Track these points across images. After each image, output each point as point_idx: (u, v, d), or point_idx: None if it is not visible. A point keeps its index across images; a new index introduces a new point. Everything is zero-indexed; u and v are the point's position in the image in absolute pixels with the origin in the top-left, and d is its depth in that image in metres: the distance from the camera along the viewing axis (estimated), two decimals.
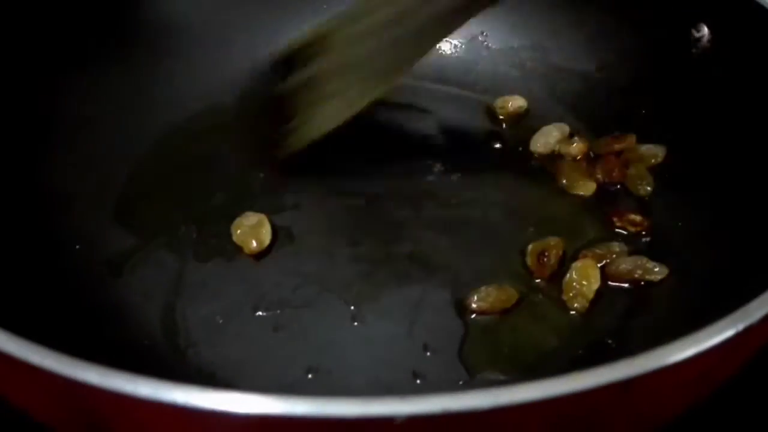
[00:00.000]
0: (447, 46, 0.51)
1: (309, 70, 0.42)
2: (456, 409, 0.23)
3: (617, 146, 0.45)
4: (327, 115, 0.42)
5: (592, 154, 0.45)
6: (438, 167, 0.46)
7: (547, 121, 0.47)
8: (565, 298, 0.38)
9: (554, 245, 0.40)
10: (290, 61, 0.44)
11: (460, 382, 0.35)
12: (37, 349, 0.24)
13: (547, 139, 0.46)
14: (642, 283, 0.39)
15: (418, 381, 0.35)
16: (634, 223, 0.41)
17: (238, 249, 0.41)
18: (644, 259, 0.39)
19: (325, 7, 0.51)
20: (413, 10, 0.40)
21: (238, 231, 0.41)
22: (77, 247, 0.41)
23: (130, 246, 0.41)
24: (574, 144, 0.45)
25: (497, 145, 0.47)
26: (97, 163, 0.44)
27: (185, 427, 0.25)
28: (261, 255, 0.41)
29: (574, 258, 0.40)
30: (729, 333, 0.26)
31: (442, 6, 0.39)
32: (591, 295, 0.38)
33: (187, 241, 0.42)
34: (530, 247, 0.40)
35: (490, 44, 0.51)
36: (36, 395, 0.27)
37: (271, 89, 0.44)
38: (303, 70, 0.43)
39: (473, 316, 0.38)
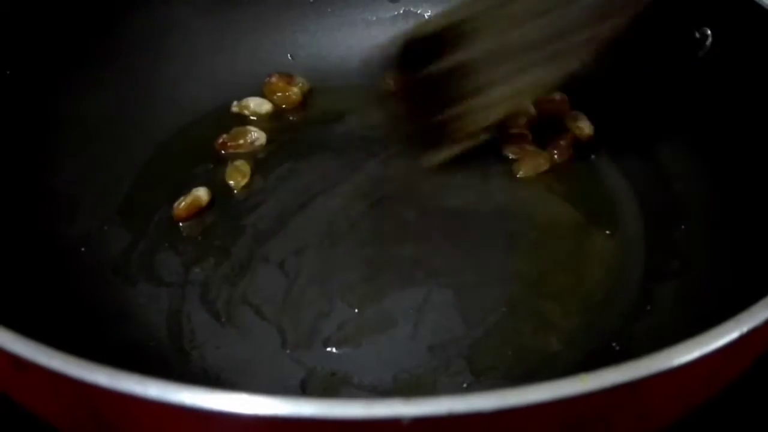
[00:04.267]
0: None
1: (461, 54, 0.39)
2: (462, 410, 0.23)
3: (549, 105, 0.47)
4: (494, 102, 0.40)
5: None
6: (443, 169, 0.45)
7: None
8: None
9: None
10: (429, 45, 0.40)
11: (465, 385, 0.35)
12: (46, 350, 0.24)
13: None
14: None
15: (422, 383, 0.36)
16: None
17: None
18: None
19: (329, 10, 0.52)
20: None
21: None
22: (82, 249, 0.41)
23: (134, 248, 0.41)
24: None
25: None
26: (102, 166, 0.45)
27: (192, 429, 0.25)
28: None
29: None
30: (734, 335, 0.26)
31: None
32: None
33: (191, 243, 0.42)
34: None
35: None
36: (45, 397, 0.27)
37: (419, 73, 0.41)
38: (451, 54, 0.39)
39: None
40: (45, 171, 0.43)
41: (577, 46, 0.39)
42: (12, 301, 0.34)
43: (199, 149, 0.47)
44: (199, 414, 0.24)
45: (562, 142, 0.46)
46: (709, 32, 0.43)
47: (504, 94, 0.40)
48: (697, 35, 0.43)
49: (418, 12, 0.52)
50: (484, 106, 0.41)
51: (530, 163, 0.46)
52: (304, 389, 0.35)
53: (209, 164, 0.46)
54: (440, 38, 0.40)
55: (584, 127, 0.47)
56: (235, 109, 0.49)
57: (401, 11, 0.52)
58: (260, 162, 0.46)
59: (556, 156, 0.46)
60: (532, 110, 0.47)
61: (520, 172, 0.45)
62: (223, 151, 0.47)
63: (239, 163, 0.46)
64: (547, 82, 0.41)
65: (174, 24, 0.49)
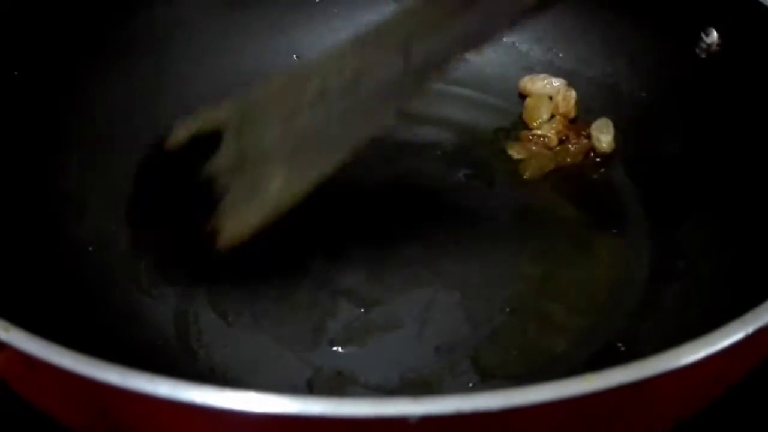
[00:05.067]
0: None
1: (234, 147, 0.35)
2: (469, 409, 0.23)
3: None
4: (268, 199, 0.36)
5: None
6: (449, 170, 0.46)
7: None
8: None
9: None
10: (204, 141, 0.36)
11: (470, 385, 0.36)
12: (58, 349, 0.25)
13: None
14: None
15: (428, 383, 0.36)
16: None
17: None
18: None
19: (335, 11, 0.52)
20: (363, 76, 0.33)
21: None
22: (90, 249, 0.41)
23: (141, 247, 0.42)
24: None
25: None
26: (109, 165, 0.45)
27: (202, 427, 0.25)
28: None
29: None
30: (739, 335, 0.26)
31: (395, 73, 0.33)
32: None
33: (198, 242, 0.42)
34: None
35: (499, 47, 0.51)
36: (56, 396, 0.28)
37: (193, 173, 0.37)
38: (226, 148, 0.36)
39: None
40: (52, 171, 0.43)
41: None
42: (20, 301, 0.34)
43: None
44: (209, 412, 0.24)
45: (572, 147, 0.46)
46: (715, 33, 0.43)
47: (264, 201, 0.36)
48: (703, 36, 0.43)
49: None
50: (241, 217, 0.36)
51: (536, 164, 0.46)
52: (311, 388, 0.36)
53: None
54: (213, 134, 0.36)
55: (604, 142, 0.46)
56: None
57: None
58: None
59: (566, 158, 0.46)
60: (572, 113, 0.47)
61: (527, 173, 0.45)
62: None
63: None
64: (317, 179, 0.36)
65: (180, 25, 0.49)
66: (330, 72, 0.35)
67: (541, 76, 0.49)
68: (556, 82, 0.48)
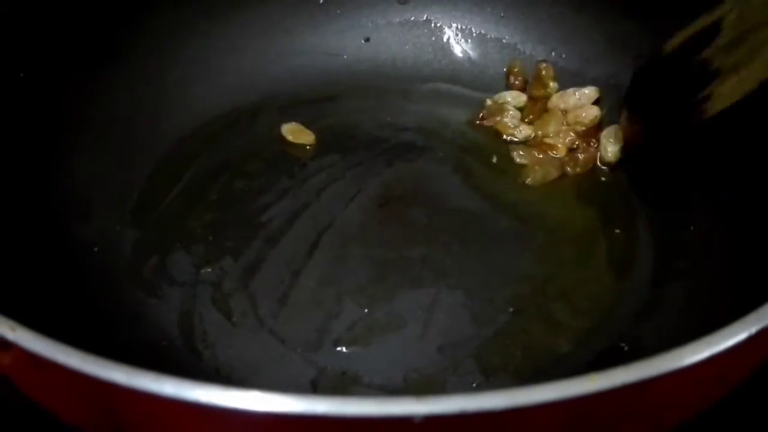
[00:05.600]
0: (458, 48, 0.51)
1: (728, 32, 0.39)
2: (473, 409, 0.23)
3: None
4: (750, 75, 0.40)
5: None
6: (453, 170, 0.46)
7: None
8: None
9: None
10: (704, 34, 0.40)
11: (474, 385, 0.36)
12: (64, 349, 0.25)
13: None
14: None
15: (432, 383, 0.36)
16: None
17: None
18: None
19: (338, 12, 0.52)
20: None
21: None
22: (95, 249, 0.41)
23: (147, 248, 0.42)
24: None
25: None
26: (115, 166, 0.45)
27: (207, 426, 0.25)
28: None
29: None
30: (742, 336, 0.26)
31: None
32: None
33: (203, 243, 0.42)
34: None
35: (502, 48, 0.51)
36: (62, 396, 0.28)
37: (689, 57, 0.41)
38: (720, 35, 0.40)
39: None
40: (58, 172, 0.43)
41: None
42: (26, 300, 0.34)
43: (215, 151, 0.47)
44: (214, 412, 0.24)
45: (580, 156, 0.46)
46: None
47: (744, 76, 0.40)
48: None
49: (426, 16, 0.52)
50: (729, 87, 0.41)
51: (540, 172, 0.45)
52: (315, 388, 0.36)
53: (226, 167, 0.46)
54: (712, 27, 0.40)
55: (611, 152, 0.45)
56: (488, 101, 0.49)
57: (410, 14, 0.52)
58: (270, 162, 0.47)
59: (569, 168, 0.45)
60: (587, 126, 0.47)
61: (529, 179, 0.45)
62: None
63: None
64: None
65: (184, 26, 0.49)
66: None
67: (570, 90, 0.47)
68: (588, 91, 0.47)
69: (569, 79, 0.49)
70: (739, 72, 0.40)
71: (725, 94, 0.41)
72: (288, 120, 0.48)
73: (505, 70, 0.50)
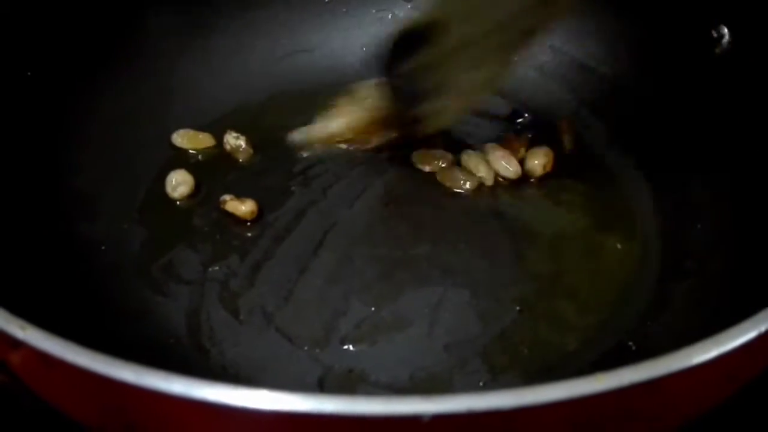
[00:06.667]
0: None
1: (431, 50, 0.40)
2: (481, 408, 0.23)
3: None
4: (461, 93, 0.41)
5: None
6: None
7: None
8: None
9: None
10: (409, 42, 0.41)
11: (481, 383, 0.36)
12: (74, 348, 0.25)
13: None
14: None
15: (439, 381, 0.36)
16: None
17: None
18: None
19: (344, 10, 0.52)
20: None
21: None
22: (103, 247, 0.41)
23: (155, 246, 0.42)
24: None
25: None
26: (122, 165, 0.45)
27: (215, 424, 0.25)
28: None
29: None
30: (751, 334, 0.26)
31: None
32: None
33: (209, 241, 0.42)
34: None
35: None
36: (72, 394, 0.28)
37: (396, 70, 0.42)
38: (424, 50, 0.40)
39: None
40: (65, 171, 0.43)
41: (520, 37, 0.40)
42: (34, 299, 0.34)
43: (221, 149, 0.47)
44: (222, 410, 0.24)
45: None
46: (726, 31, 0.43)
47: (462, 89, 0.42)
48: (714, 34, 0.43)
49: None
50: (443, 106, 0.42)
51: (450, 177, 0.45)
52: (322, 386, 0.36)
53: (233, 165, 0.46)
54: (419, 35, 0.41)
55: (540, 162, 0.45)
56: None
57: (417, 12, 0.52)
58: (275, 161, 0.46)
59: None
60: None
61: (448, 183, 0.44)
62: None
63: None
64: (498, 75, 0.42)
65: (190, 25, 0.50)
66: None
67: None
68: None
69: (575, 76, 0.49)
70: (442, 93, 0.41)
71: (437, 113, 0.41)
72: (294, 118, 0.48)
73: None
